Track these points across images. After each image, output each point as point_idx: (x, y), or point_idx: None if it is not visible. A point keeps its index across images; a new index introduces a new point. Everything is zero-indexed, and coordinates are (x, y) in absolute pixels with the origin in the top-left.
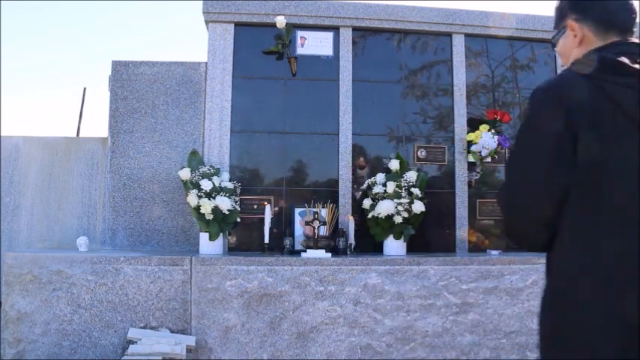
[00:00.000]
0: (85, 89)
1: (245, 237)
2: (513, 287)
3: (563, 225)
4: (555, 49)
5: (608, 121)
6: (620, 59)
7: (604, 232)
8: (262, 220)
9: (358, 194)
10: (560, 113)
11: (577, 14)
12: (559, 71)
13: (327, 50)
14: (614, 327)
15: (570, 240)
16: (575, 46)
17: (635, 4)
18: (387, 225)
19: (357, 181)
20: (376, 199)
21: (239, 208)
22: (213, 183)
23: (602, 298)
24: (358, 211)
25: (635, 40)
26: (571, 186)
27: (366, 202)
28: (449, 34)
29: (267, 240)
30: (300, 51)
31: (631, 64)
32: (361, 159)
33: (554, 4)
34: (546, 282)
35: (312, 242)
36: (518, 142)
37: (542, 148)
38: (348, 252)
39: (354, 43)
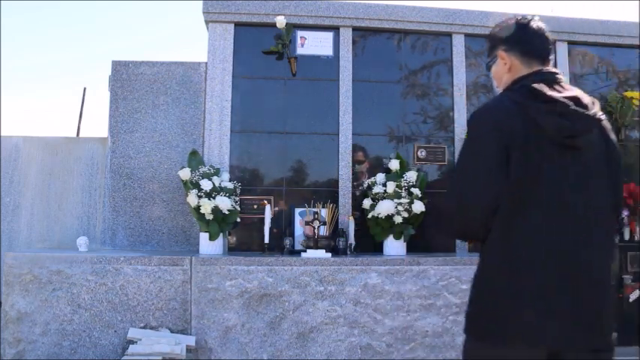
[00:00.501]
0: (85, 89)
1: (245, 237)
2: None
3: (495, 223)
4: (490, 73)
5: (532, 140)
6: (538, 87)
7: (530, 230)
8: (262, 220)
9: (358, 192)
10: (495, 136)
11: (505, 45)
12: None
13: (327, 50)
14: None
15: (500, 235)
16: (505, 72)
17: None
18: (387, 225)
19: (355, 176)
20: (376, 199)
21: (239, 208)
22: (213, 183)
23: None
24: (358, 209)
25: (552, 69)
26: (503, 192)
27: (366, 202)
28: (449, 34)
29: (267, 240)
30: (300, 51)
31: (547, 92)
32: (359, 153)
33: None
34: (479, 267)
35: (312, 242)
36: (465, 157)
37: (485, 164)
38: (348, 252)
39: (354, 43)
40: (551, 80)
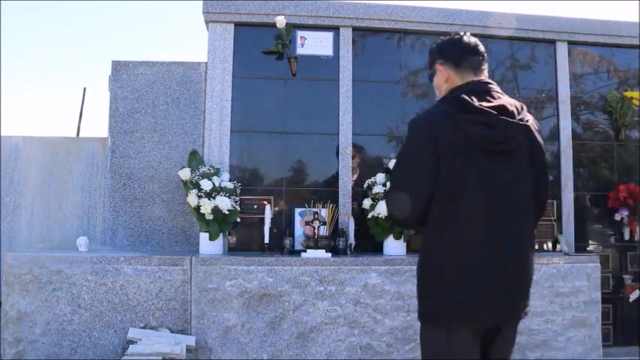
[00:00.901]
0: (85, 89)
1: (245, 237)
2: None
3: (433, 229)
4: (432, 82)
5: (462, 150)
6: (466, 98)
7: (462, 236)
8: (262, 220)
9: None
10: (428, 144)
11: (441, 59)
12: (556, 69)
13: (327, 50)
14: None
15: (438, 240)
16: (443, 82)
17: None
18: (387, 225)
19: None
20: (376, 199)
21: (239, 208)
22: (213, 183)
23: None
24: (358, 208)
25: (484, 79)
26: (434, 192)
27: (366, 202)
28: (449, 35)
29: (267, 240)
30: (300, 51)
31: (474, 103)
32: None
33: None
34: (420, 266)
35: (312, 242)
36: (402, 161)
37: (424, 170)
38: (348, 252)
39: (354, 43)
40: (483, 90)
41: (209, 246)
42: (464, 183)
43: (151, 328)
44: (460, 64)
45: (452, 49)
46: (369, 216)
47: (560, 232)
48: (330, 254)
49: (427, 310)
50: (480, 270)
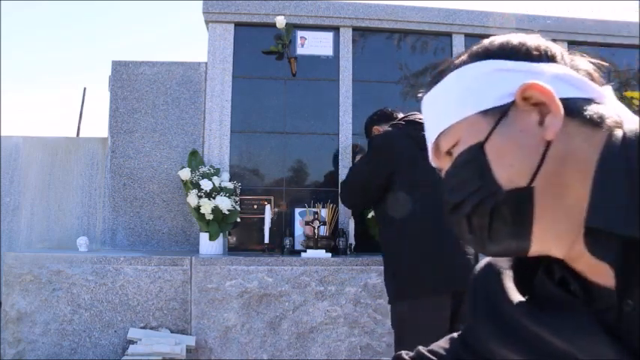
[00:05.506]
0: (85, 89)
1: (245, 237)
2: None
3: (383, 210)
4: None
5: (412, 153)
6: (413, 118)
7: (408, 215)
8: (262, 220)
9: None
10: (383, 157)
11: (375, 124)
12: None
13: (327, 50)
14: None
15: (396, 235)
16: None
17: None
18: None
19: None
20: None
21: (239, 208)
22: (213, 183)
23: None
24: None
25: (413, 112)
26: (382, 192)
27: None
28: (449, 34)
29: (267, 240)
30: (300, 51)
31: (419, 120)
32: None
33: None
34: (385, 260)
35: (312, 242)
36: (360, 165)
37: (369, 173)
38: (348, 252)
39: (354, 43)
40: (417, 116)
41: (209, 246)
42: (411, 177)
43: (151, 328)
44: (387, 120)
45: (379, 116)
46: (369, 216)
47: None
48: (330, 254)
49: (399, 288)
50: (443, 243)
